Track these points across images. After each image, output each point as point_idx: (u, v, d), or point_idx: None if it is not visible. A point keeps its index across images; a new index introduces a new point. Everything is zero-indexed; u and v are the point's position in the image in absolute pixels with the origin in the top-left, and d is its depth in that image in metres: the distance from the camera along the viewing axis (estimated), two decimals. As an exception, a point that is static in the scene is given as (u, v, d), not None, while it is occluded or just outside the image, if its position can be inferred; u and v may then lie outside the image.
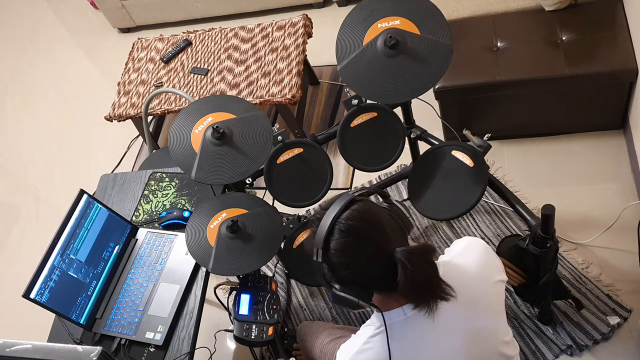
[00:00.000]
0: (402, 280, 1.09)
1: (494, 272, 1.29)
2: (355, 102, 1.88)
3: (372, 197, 2.12)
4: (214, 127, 1.70)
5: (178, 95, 2.66)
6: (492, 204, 2.34)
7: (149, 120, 2.99)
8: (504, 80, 2.23)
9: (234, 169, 1.71)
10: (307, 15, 2.76)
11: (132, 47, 2.99)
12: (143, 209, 2.03)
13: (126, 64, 2.92)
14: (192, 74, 2.74)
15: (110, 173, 2.19)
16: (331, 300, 1.20)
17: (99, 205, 1.83)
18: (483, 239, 2.20)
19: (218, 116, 1.78)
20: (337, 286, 1.17)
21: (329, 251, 1.14)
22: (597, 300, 2.01)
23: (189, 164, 1.72)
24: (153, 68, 2.84)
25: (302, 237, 1.93)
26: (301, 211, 2.51)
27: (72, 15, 4.12)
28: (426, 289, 1.12)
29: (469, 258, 1.28)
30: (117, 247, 1.88)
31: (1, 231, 3.07)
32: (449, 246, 1.39)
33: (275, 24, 2.76)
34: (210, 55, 2.77)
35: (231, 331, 1.76)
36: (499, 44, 2.34)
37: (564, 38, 2.27)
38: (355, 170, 2.66)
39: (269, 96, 2.51)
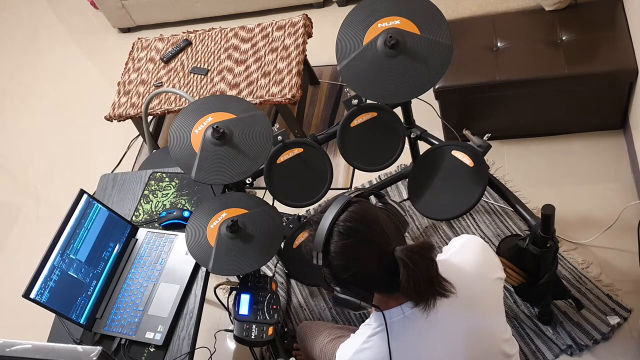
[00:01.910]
0: (404, 278, 1.09)
1: (492, 270, 1.29)
2: (355, 102, 1.88)
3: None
4: (214, 127, 1.70)
5: (178, 95, 2.66)
6: (492, 204, 2.34)
7: (149, 120, 2.99)
8: (504, 80, 2.23)
9: (234, 169, 1.71)
10: (307, 15, 2.76)
11: (132, 47, 2.99)
12: (143, 209, 2.03)
13: (126, 64, 2.92)
14: (192, 74, 2.74)
15: (110, 173, 2.19)
16: (332, 303, 1.20)
17: (99, 205, 1.83)
18: (483, 239, 2.20)
19: (218, 116, 1.78)
20: (338, 289, 1.17)
21: (329, 254, 1.14)
22: (597, 300, 2.01)
23: (189, 164, 1.72)
24: (153, 68, 2.84)
25: (302, 237, 1.93)
26: (301, 211, 2.51)
27: (72, 15, 4.13)
28: (427, 286, 1.12)
29: (466, 256, 1.28)
30: (117, 247, 1.88)
31: (1, 231, 3.07)
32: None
33: (275, 24, 2.76)
34: (210, 55, 2.77)
35: (231, 331, 1.76)
36: (499, 44, 2.34)
37: (564, 38, 2.27)
38: (355, 170, 2.66)
39: (269, 96, 2.51)
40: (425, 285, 1.11)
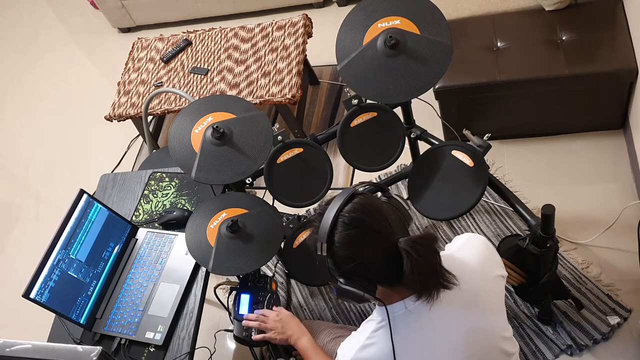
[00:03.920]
0: (407, 269, 1.10)
1: (494, 267, 1.30)
2: (355, 102, 1.88)
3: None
4: (214, 127, 1.70)
5: (178, 95, 2.66)
6: (492, 204, 2.35)
7: (149, 120, 2.99)
8: (504, 80, 2.24)
9: (234, 169, 1.71)
10: (307, 15, 2.76)
11: (132, 47, 2.99)
12: (143, 208, 2.03)
13: (126, 64, 2.92)
14: (192, 74, 2.74)
15: (110, 173, 2.19)
16: (336, 295, 1.21)
17: (99, 205, 1.83)
18: (483, 239, 2.20)
19: (218, 116, 1.78)
20: (341, 280, 1.18)
21: (333, 245, 1.15)
22: (597, 300, 2.01)
23: (189, 163, 1.72)
24: (153, 68, 2.84)
25: (302, 237, 1.93)
26: (301, 211, 2.51)
27: (72, 15, 4.13)
28: (431, 277, 1.12)
29: (468, 253, 1.28)
30: (117, 247, 1.88)
31: (1, 231, 3.07)
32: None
33: (275, 23, 2.76)
34: (210, 55, 2.78)
35: (231, 331, 1.76)
36: (499, 44, 2.34)
37: (564, 38, 2.27)
38: (355, 170, 2.66)
39: (269, 96, 2.51)
40: (428, 276, 1.12)
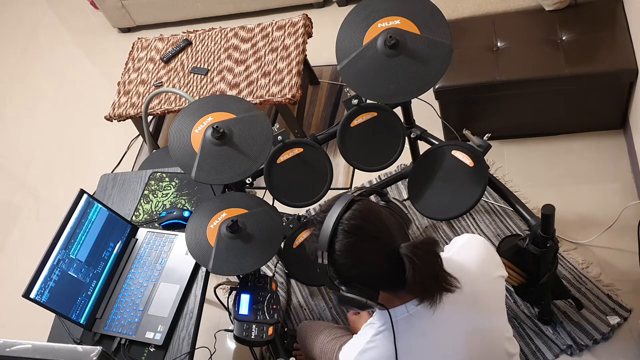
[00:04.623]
0: (410, 274, 1.10)
1: (494, 268, 1.30)
2: (355, 102, 1.88)
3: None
4: (214, 127, 1.70)
5: (178, 95, 2.66)
6: (492, 203, 2.34)
7: (149, 120, 2.99)
8: (504, 80, 2.24)
9: (234, 169, 1.71)
10: (307, 15, 2.76)
11: (132, 47, 2.99)
12: (143, 208, 2.03)
13: (126, 64, 2.92)
14: (192, 74, 2.74)
15: (110, 173, 2.19)
16: (337, 303, 1.20)
17: (99, 205, 1.83)
18: (483, 239, 2.19)
19: (218, 116, 1.78)
20: (343, 287, 1.17)
21: (334, 253, 1.14)
22: (597, 300, 2.01)
23: (189, 163, 1.72)
24: (153, 68, 2.84)
25: (302, 237, 1.93)
26: (301, 211, 2.51)
27: (72, 15, 4.13)
28: (433, 281, 1.12)
29: (468, 254, 1.28)
30: (117, 247, 1.88)
31: (1, 231, 3.07)
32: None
33: (275, 23, 2.76)
34: (210, 55, 2.78)
35: (231, 331, 1.76)
36: (499, 44, 2.34)
37: (564, 38, 2.27)
38: (355, 170, 2.66)
39: (269, 96, 2.51)
40: (431, 281, 1.12)
